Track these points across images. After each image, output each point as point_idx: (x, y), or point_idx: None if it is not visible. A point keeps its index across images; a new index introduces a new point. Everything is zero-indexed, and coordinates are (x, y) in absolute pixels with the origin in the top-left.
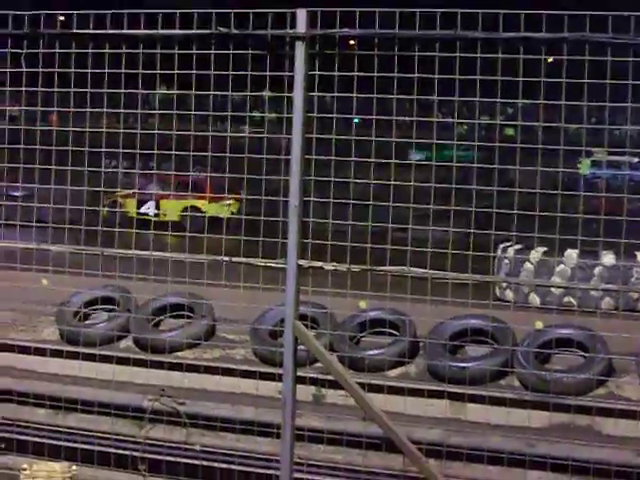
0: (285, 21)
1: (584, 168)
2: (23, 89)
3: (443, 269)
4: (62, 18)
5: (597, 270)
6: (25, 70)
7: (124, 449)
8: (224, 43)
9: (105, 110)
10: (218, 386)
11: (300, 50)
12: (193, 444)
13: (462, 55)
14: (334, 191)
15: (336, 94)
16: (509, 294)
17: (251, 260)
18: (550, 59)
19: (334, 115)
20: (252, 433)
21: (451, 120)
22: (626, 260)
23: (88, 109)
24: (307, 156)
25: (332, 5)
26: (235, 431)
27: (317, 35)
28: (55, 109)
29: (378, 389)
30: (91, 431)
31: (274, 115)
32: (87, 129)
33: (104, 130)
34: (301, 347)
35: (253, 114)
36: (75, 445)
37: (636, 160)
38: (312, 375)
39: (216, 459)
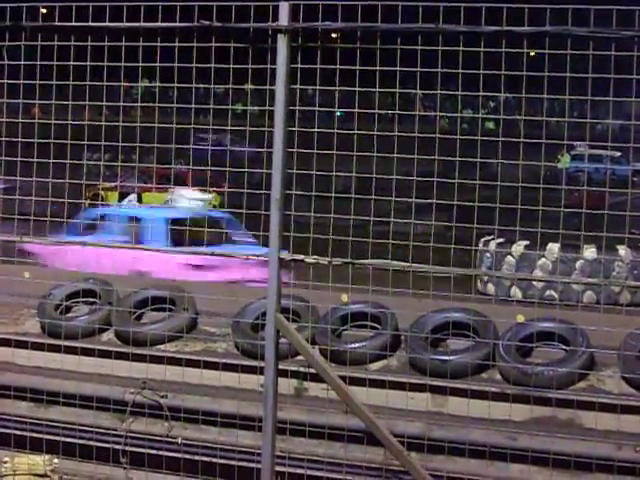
0: (267, 14)
1: (563, 162)
2: (5, 82)
3: (425, 262)
4: (44, 10)
5: (579, 264)
6: (7, 63)
7: (106, 442)
8: (206, 36)
9: (87, 103)
10: (200, 379)
11: (282, 43)
12: (175, 437)
13: (444, 49)
14: (316, 184)
15: (318, 87)
16: (491, 287)
17: (233, 253)
18: (532, 53)
19: (316, 108)
20: (234, 426)
21: (433, 114)
22: (607, 254)
23: (70, 102)
24: (289, 149)
25: None
26: (217, 424)
27: (299, 28)
28: (37, 102)
29: (360, 382)
30: (73, 424)
31: (256, 108)
32: (69, 121)
33: (86, 122)
34: (283, 340)
35: (235, 107)
36: (57, 438)
37: (618, 154)
38: (294, 368)
39: (198, 452)
